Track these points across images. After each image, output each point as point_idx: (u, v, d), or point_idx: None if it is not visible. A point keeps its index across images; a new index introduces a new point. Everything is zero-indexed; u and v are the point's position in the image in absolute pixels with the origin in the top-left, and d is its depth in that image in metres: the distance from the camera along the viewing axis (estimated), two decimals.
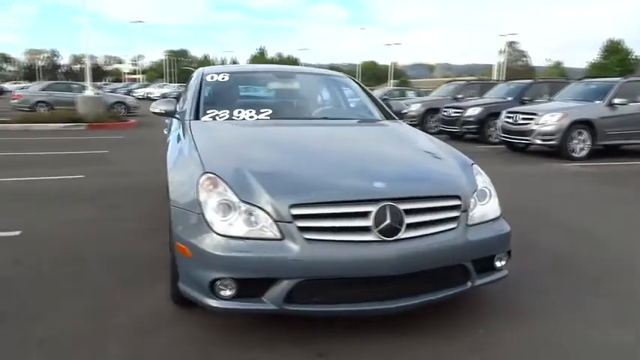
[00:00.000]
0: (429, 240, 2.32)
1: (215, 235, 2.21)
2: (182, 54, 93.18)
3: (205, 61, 78.35)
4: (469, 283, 2.48)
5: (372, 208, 2.25)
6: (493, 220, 2.60)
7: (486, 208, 2.61)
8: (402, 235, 2.26)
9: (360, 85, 4.32)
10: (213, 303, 2.23)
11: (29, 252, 3.57)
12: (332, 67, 22.76)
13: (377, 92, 20.51)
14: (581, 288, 3.12)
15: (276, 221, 2.20)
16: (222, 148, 2.76)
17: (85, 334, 2.44)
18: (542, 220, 4.72)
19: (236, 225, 2.22)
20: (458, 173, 2.69)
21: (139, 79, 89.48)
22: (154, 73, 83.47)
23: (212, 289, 2.20)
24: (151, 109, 3.73)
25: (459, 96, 14.31)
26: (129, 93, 37.05)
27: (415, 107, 14.44)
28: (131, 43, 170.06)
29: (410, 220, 2.30)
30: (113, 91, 32.90)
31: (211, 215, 2.24)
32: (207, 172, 2.39)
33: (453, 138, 12.40)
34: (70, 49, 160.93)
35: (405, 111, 4.26)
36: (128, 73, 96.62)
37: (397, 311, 2.35)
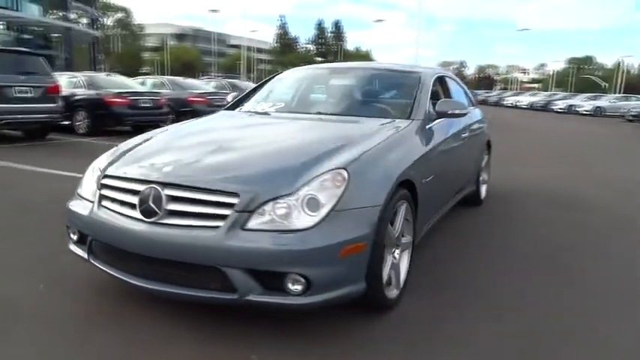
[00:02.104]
0: (184, 231, 2.24)
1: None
2: (585, 61, 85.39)
3: (614, 69, 69.35)
4: (237, 295, 2.20)
5: (141, 188, 2.37)
6: (295, 231, 2.17)
7: (302, 217, 2.19)
8: (160, 219, 2.29)
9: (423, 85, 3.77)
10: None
11: None
12: None
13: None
14: None
15: (96, 187, 2.63)
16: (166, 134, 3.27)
17: None
18: None
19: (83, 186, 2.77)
20: (277, 174, 2.34)
21: (536, 87, 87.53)
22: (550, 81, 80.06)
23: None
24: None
25: None
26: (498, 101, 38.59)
27: None
28: (536, 51, 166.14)
29: (171, 206, 2.29)
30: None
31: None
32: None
33: None
34: (477, 60, 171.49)
35: (453, 111, 3.48)
36: (527, 82, 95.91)
37: (161, 295, 2.37)
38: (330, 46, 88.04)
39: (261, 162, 2.51)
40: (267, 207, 2.20)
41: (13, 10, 31.60)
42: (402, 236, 2.82)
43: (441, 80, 4.27)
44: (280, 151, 2.71)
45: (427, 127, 3.37)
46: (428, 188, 3.09)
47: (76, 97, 10.86)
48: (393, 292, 2.70)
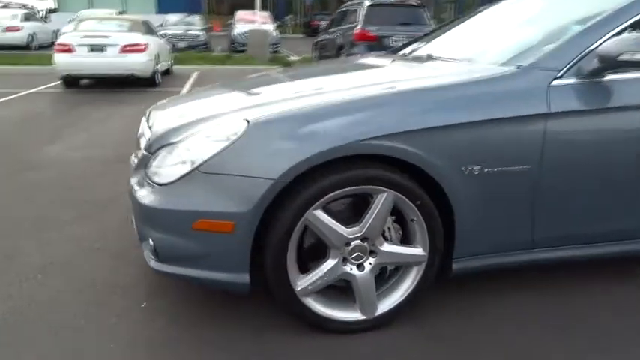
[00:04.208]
0: None
1: None
2: None
3: None
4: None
5: None
6: (157, 185, 1.88)
7: (169, 170, 1.87)
8: None
9: None
10: None
11: None
12: None
13: None
14: None
15: None
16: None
17: None
18: None
19: None
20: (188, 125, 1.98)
21: None
22: None
23: None
24: None
25: None
26: None
27: None
28: None
29: None
30: None
31: None
32: None
33: None
34: None
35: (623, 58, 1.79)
36: None
37: None
38: None
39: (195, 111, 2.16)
40: (160, 154, 1.94)
41: None
42: (387, 241, 1.86)
43: None
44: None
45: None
46: (492, 185, 1.85)
47: None
48: (340, 313, 1.89)
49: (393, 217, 1.88)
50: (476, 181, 1.81)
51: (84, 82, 9.46)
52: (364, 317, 1.89)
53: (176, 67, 11.65)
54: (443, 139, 1.77)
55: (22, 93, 8.26)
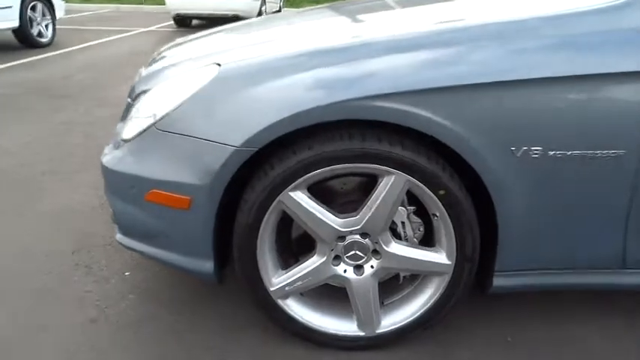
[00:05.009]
0: None
1: None
2: None
3: None
4: None
5: None
6: (123, 140, 1.56)
7: (131, 123, 1.57)
8: None
9: None
10: None
11: None
12: None
13: None
14: None
15: None
16: None
17: None
18: None
19: None
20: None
21: None
22: None
23: None
24: None
25: None
26: None
27: None
28: None
29: None
30: None
31: None
32: None
33: None
34: None
35: None
36: None
37: None
38: None
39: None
40: (137, 103, 1.61)
41: None
42: (398, 240, 1.37)
43: None
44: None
45: None
46: (560, 176, 1.24)
47: None
48: (331, 323, 1.46)
49: (412, 208, 1.37)
50: (533, 168, 1.22)
51: (195, 22, 9.57)
52: (361, 333, 1.44)
53: (286, 10, 11.34)
54: (484, 104, 1.18)
55: (137, 31, 8.55)
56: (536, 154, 1.20)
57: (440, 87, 1.18)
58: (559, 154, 1.20)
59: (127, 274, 1.85)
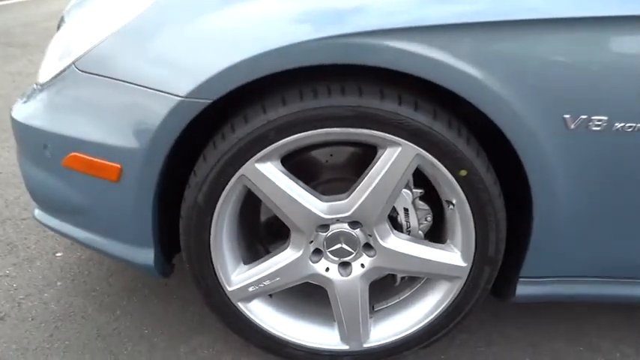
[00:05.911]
0: None
1: None
2: None
3: None
4: None
5: None
6: (39, 84, 1.20)
7: (50, 62, 1.22)
8: None
9: None
10: None
11: None
12: None
13: None
14: None
15: None
16: None
17: None
18: None
19: None
20: None
21: None
22: None
23: None
24: None
25: None
26: None
27: None
28: None
29: None
30: None
31: None
32: None
33: None
34: None
35: None
36: None
37: None
38: None
39: None
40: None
41: None
42: (398, 233, 1.03)
43: None
44: None
45: None
46: (629, 155, 0.91)
47: None
48: (306, 333, 1.14)
49: (419, 192, 1.03)
50: (591, 145, 0.89)
51: None
52: (345, 347, 1.12)
53: None
54: (529, 50, 0.84)
55: None
56: (597, 126, 0.87)
57: (468, 22, 0.83)
58: (628, 127, 0.87)
59: (58, 255, 1.50)
